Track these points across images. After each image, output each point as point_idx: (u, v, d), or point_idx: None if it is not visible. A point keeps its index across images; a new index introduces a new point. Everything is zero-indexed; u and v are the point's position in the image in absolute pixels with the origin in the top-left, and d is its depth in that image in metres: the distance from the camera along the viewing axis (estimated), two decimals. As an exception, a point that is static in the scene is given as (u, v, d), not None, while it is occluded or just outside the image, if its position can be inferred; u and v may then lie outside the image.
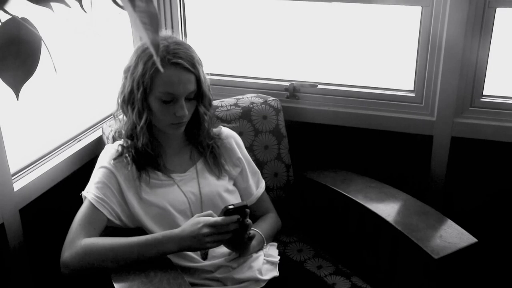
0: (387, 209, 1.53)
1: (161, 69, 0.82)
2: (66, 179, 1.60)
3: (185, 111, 1.33)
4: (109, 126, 1.60)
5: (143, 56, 1.32)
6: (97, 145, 1.69)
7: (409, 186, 1.71)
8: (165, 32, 1.43)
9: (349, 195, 1.61)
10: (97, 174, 1.37)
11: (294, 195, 1.78)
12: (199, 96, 1.38)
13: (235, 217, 1.24)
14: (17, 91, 0.57)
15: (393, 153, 1.88)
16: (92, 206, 1.31)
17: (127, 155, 1.37)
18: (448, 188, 1.84)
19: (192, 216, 1.35)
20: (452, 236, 1.40)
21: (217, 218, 1.24)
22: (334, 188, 1.66)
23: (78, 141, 1.69)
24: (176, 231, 1.26)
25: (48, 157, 1.58)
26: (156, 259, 1.25)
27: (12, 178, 1.42)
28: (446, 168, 1.82)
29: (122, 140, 1.41)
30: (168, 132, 1.40)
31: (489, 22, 1.66)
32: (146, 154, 1.38)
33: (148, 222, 1.34)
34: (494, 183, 1.82)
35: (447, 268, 1.35)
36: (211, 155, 1.47)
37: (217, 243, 1.27)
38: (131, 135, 1.39)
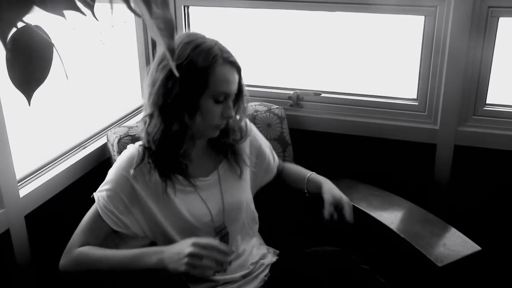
0: (391, 217, 1.53)
1: (177, 74, 0.81)
2: (71, 186, 1.61)
3: (233, 112, 1.29)
4: (114, 133, 1.61)
5: (198, 51, 1.23)
6: (102, 152, 1.70)
7: (412, 194, 1.72)
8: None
9: (352, 203, 1.61)
10: (113, 179, 1.30)
11: (298, 202, 1.78)
12: (236, 99, 1.34)
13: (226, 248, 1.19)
14: (29, 97, 0.59)
15: (397, 161, 1.89)
16: (98, 215, 1.29)
17: (150, 160, 1.29)
18: (451, 196, 1.85)
19: (214, 225, 1.34)
20: (455, 244, 1.40)
21: (209, 240, 1.19)
22: (338, 195, 1.66)
23: (83, 148, 1.70)
24: (168, 246, 1.21)
25: (53, 164, 1.59)
26: (146, 273, 1.19)
27: (18, 184, 1.43)
28: (449, 176, 1.82)
29: (147, 142, 1.30)
30: (207, 134, 1.33)
31: (492, 31, 1.67)
32: (171, 159, 1.30)
33: (169, 229, 1.30)
34: (497, 191, 1.82)
35: (451, 276, 1.35)
36: (232, 154, 1.41)
37: (193, 267, 1.13)
38: (160, 139, 1.27)
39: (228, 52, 1.27)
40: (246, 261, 1.40)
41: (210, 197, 1.35)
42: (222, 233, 1.37)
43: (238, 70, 1.29)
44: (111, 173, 1.31)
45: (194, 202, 1.33)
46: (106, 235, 1.31)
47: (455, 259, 1.34)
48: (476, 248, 1.38)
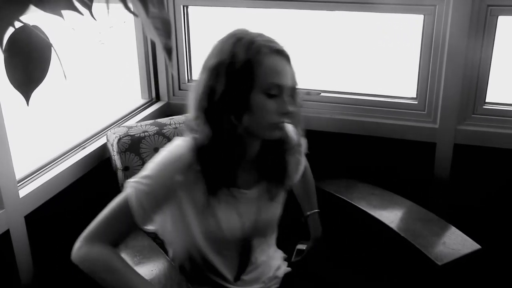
0: (391, 216, 1.53)
1: (174, 72, 0.79)
2: (71, 186, 1.61)
3: (290, 107, 1.15)
4: (114, 133, 1.61)
5: (240, 45, 1.13)
6: (102, 152, 1.70)
7: (412, 193, 1.72)
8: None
9: (352, 202, 1.62)
10: (157, 176, 1.16)
11: (298, 202, 1.78)
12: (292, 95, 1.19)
13: None
14: (27, 97, 0.59)
15: (396, 160, 1.88)
16: (128, 210, 1.14)
17: (199, 169, 1.18)
18: (451, 195, 1.85)
19: (242, 240, 1.31)
20: (455, 242, 1.40)
21: None
22: (337, 195, 1.67)
23: (83, 148, 1.70)
24: None
25: (53, 164, 1.59)
26: None
27: (18, 184, 1.43)
28: (449, 175, 1.82)
29: (196, 142, 1.19)
30: (265, 134, 1.19)
31: (491, 30, 1.67)
32: (221, 170, 1.19)
33: (198, 236, 1.25)
34: (497, 190, 1.82)
35: (451, 275, 1.35)
36: (277, 176, 1.30)
37: None
38: (208, 146, 1.16)
39: (273, 41, 1.16)
40: (262, 274, 1.38)
41: (246, 212, 1.28)
42: (248, 246, 1.33)
43: (288, 59, 1.17)
44: (156, 168, 1.17)
45: (231, 214, 1.26)
46: (129, 234, 1.19)
47: (455, 258, 1.34)
48: (476, 246, 1.38)
